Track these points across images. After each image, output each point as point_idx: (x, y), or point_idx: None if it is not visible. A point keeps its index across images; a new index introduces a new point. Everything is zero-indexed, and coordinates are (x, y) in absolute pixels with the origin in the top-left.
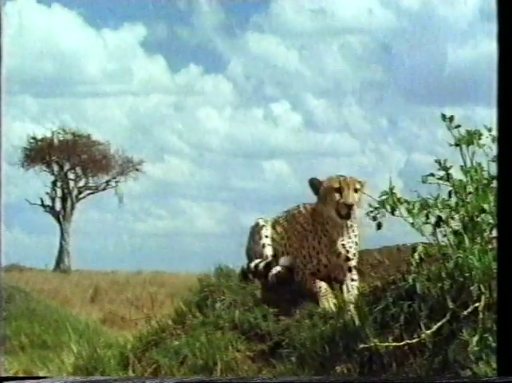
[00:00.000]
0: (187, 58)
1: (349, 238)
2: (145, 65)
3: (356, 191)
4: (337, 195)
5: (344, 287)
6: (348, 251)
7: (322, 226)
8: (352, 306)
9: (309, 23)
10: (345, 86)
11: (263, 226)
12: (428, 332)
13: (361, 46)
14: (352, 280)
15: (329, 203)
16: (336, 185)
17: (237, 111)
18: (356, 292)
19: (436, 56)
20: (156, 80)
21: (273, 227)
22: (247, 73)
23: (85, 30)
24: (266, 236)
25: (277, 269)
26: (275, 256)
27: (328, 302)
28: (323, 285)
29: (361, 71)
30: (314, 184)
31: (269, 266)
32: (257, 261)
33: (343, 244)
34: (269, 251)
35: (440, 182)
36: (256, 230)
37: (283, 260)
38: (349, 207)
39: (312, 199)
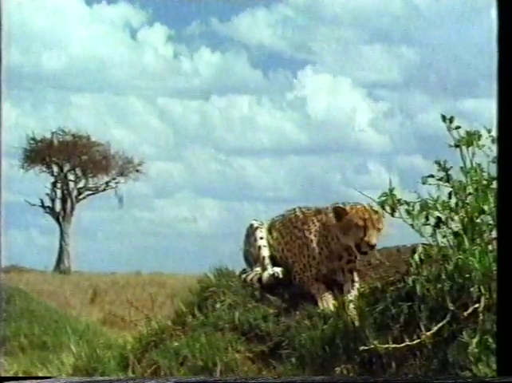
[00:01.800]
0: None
1: (356, 255)
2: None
3: (378, 230)
4: (361, 233)
5: (345, 288)
6: (350, 254)
7: (325, 238)
8: (352, 307)
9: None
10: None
11: (257, 227)
12: (428, 333)
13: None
14: (353, 282)
15: (351, 237)
16: (361, 223)
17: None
18: (356, 293)
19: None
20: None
21: (269, 232)
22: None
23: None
24: (261, 238)
25: (274, 270)
26: (271, 257)
27: (328, 303)
28: (322, 286)
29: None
30: (338, 212)
31: (261, 278)
32: (251, 274)
33: (346, 248)
34: (265, 253)
35: (440, 183)
36: (250, 233)
37: (279, 264)
38: (372, 247)
39: (307, 200)
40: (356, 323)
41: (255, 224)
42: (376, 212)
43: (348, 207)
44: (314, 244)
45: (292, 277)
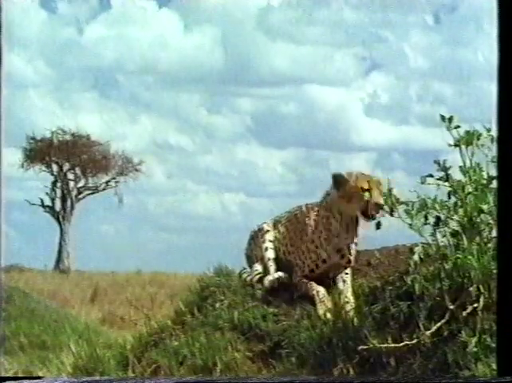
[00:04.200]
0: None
1: (350, 236)
2: None
3: (380, 191)
4: (367, 195)
5: (339, 278)
6: (349, 250)
7: (326, 219)
8: (350, 305)
9: None
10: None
11: (268, 231)
12: (427, 332)
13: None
14: (346, 273)
15: (356, 203)
16: (366, 186)
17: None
18: (350, 283)
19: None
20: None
21: (275, 227)
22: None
23: None
24: (270, 241)
25: (279, 274)
26: (276, 259)
27: (326, 308)
28: (321, 289)
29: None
30: (338, 180)
31: (262, 278)
32: (251, 275)
33: (344, 241)
34: (270, 255)
35: (439, 183)
36: (260, 235)
37: (282, 260)
38: (380, 207)
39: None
40: (356, 323)
41: (266, 227)
42: (376, 178)
43: (346, 174)
44: (313, 228)
45: (293, 274)
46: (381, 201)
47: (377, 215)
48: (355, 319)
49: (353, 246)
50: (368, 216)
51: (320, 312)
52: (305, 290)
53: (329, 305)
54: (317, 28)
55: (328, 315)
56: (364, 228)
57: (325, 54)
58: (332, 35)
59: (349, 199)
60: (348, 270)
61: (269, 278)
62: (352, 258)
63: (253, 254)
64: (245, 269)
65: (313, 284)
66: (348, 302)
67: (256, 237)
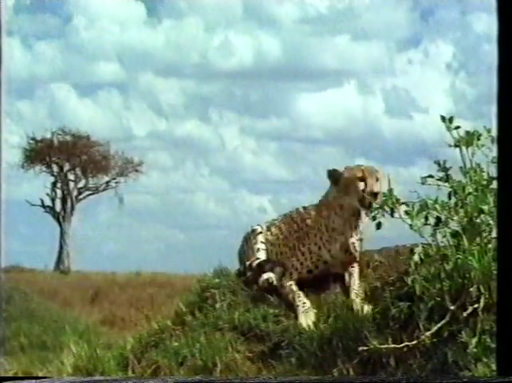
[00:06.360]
0: None
1: (355, 232)
2: None
3: (377, 179)
4: (362, 185)
5: (346, 273)
6: (354, 246)
7: (327, 219)
8: (359, 299)
9: None
10: None
11: (261, 232)
12: (428, 333)
13: None
14: (352, 267)
15: (353, 193)
16: (360, 174)
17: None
18: (356, 276)
19: None
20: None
21: (268, 229)
22: None
23: None
24: (262, 242)
25: (269, 275)
26: (267, 261)
27: (307, 320)
28: (306, 302)
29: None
30: (334, 175)
31: (255, 274)
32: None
33: (350, 238)
34: (262, 256)
35: (440, 183)
36: (253, 236)
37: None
38: (375, 195)
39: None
40: (356, 323)
41: (259, 229)
42: (372, 167)
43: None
44: (316, 230)
45: (285, 276)
46: (375, 189)
47: (376, 203)
48: (364, 308)
49: (358, 242)
50: (365, 206)
51: (301, 322)
52: (291, 297)
53: (313, 317)
54: (310, 18)
55: (310, 325)
56: (366, 224)
57: (331, 44)
58: (328, 25)
59: (346, 192)
60: (355, 264)
61: (261, 278)
62: (357, 254)
63: (245, 254)
64: (239, 270)
65: (301, 295)
66: (358, 296)
67: (248, 238)
